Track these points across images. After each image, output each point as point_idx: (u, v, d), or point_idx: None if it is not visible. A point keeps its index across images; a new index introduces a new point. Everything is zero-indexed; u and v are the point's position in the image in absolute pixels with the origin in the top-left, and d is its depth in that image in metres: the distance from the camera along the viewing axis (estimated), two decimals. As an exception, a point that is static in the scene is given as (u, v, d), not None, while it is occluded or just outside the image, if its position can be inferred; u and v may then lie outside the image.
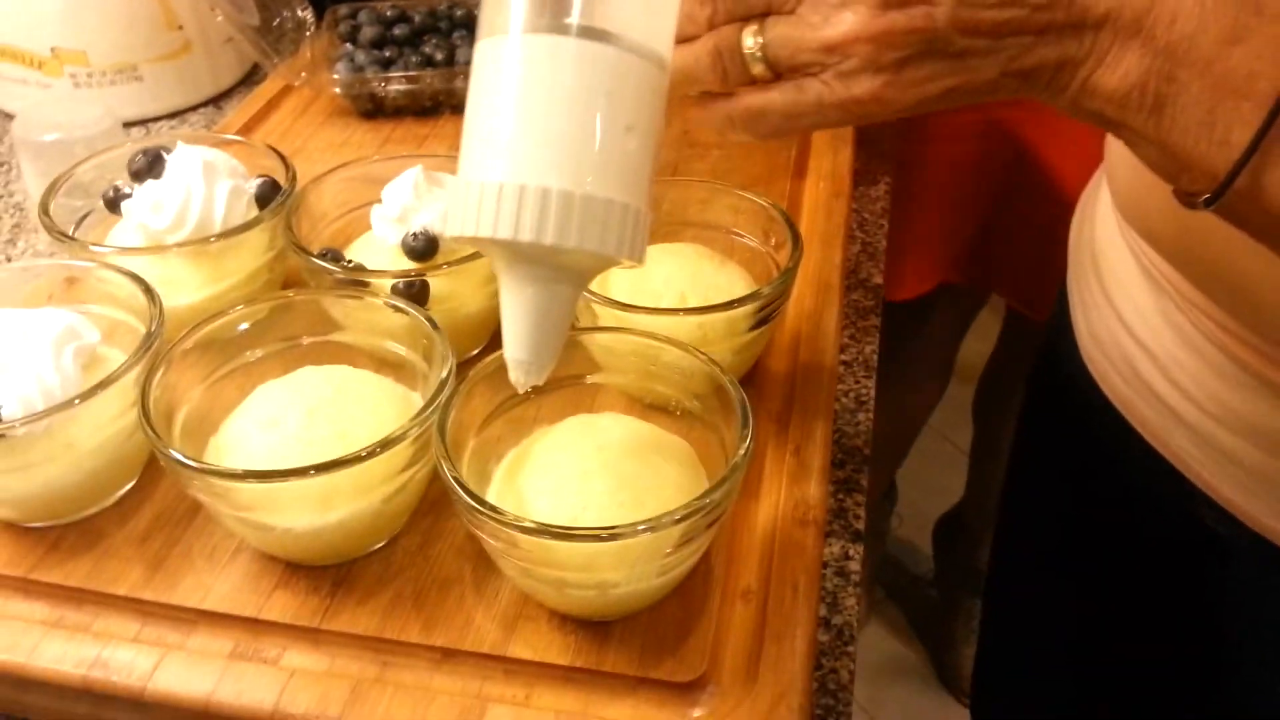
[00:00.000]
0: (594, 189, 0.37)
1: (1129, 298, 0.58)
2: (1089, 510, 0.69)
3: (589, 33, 0.37)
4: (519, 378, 0.42)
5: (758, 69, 0.39)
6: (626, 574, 0.45)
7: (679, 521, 0.43)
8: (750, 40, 0.38)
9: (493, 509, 0.43)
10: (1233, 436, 0.52)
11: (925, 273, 1.15)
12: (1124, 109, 0.36)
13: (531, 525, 0.43)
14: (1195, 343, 0.53)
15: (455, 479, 0.44)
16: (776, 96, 0.39)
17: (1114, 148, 0.59)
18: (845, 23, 0.36)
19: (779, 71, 0.38)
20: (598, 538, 0.42)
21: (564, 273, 0.40)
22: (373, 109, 0.85)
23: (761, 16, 0.38)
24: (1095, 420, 0.63)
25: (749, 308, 0.55)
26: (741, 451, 0.45)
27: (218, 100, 0.96)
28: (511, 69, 0.38)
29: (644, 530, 0.42)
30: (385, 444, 0.45)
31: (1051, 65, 0.36)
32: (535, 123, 0.37)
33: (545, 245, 0.37)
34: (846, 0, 0.36)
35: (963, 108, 0.46)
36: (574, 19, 0.37)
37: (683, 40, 0.40)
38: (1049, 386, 0.75)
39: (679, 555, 0.45)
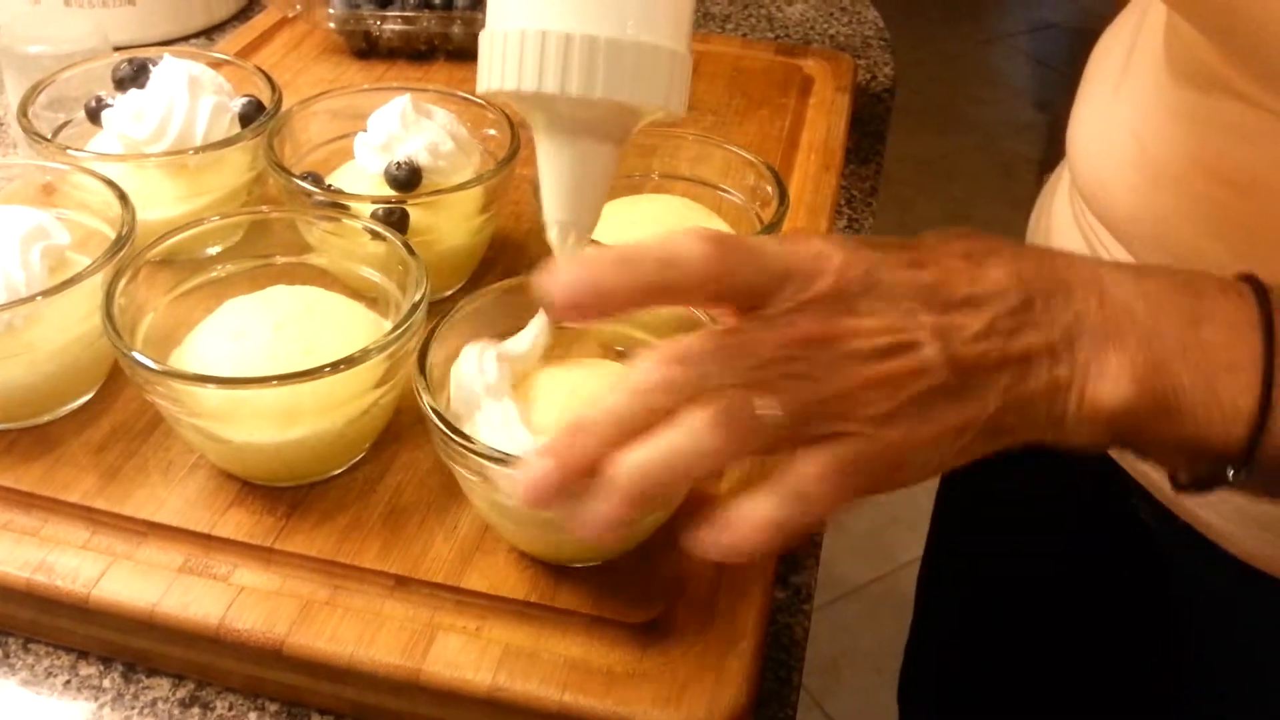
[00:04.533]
0: (624, 34, 0.35)
1: None
2: (1023, 504, 0.69)
3: None
4: (558, 239, 0.40)
5: (777, 429, 0.34)
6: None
7: None
8: (760, 401, 0.34)
9: (466, 438, 0.42)
10: None
11: None
12: (1133, 417, 0.36)
13: (505, 457, 0.42)
14: None
15: (433, 409, 0.43)
16: (812, 461, 0.34)
17: (1077, 132, 0.59)
18: (848, 377, 0.34)
19: (800, 432, 0.34)
20: None
21: (601, 126, 0.38)
22: (366, 49, 0.83)
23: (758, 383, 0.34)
24: None
25: (730, 259, 0.54)
26: None
27: (210, 32, 0.94)
28: None
29: None
30: (351, 360, 0.44)
31: (1044, 391, 0.36)
32: None
33: (571, 97, 0.36)
34: (841, 354, 0.34)
35: None
36: None
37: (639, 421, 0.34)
38: None
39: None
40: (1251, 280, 0.37)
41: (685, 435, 0.34)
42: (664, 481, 0.34)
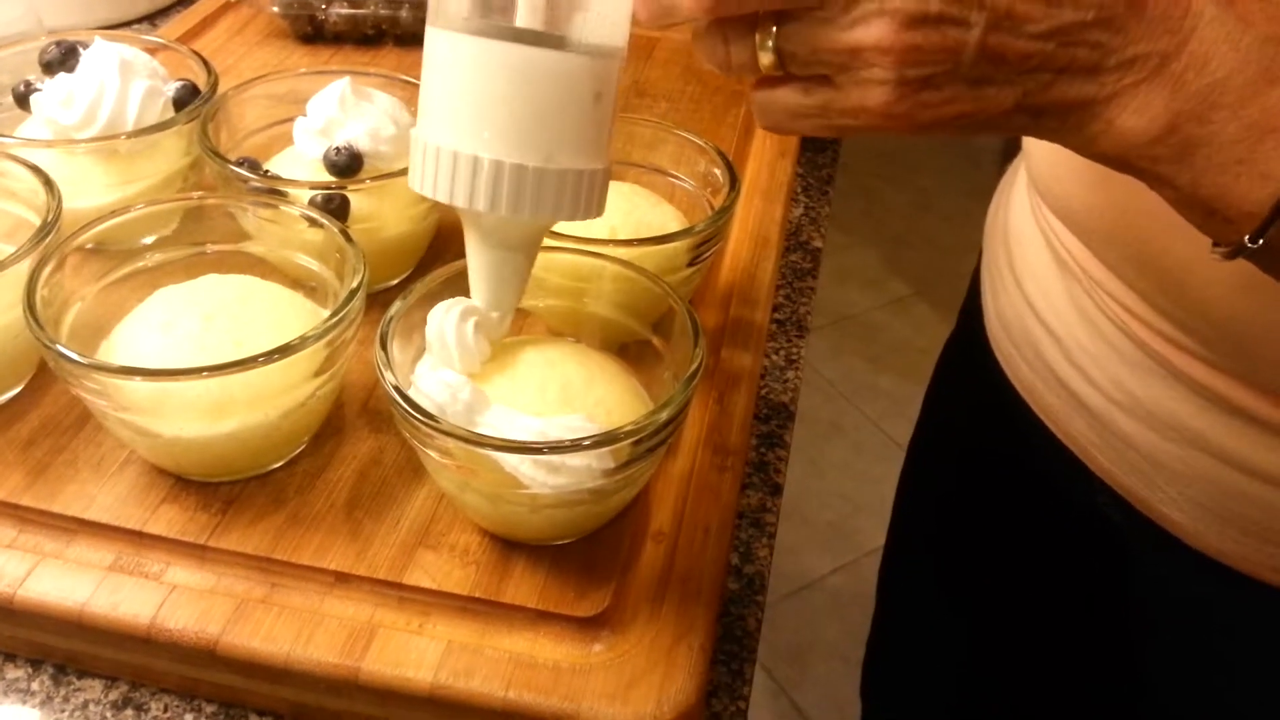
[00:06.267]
0: (549, 162, 0.39)
1: (1038, 283, 0.58)
2: (986, 497, 0.69)
3: (549, 40, 0.38)
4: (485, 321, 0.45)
5: (766, 60, 0.36)
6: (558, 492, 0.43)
7: (626, 438, 0.42)
8: (764, 34, 0.36)
9: (430, 416, 0.42)
10: (1131, 421, 0.52)
11: None
12: (1150, 152, 0.35)
13: (477, 438, 0.42)
14: (1100, 327, 0.53)
15: (395, 387, 0.43)
16: (784, 94, 0.36)
17: None
18: (874, 29, 0.33)
19: (788, 69, 0.36)
20: (539, 451, 0.41)
21: (521, 235, 0.43)
22: (312, 33, 0.82)
23: (775, 15, 0.35)
24: (998, 406, 0.63)
25: (681, 244, 0.53)
26: (694, 365, 0.45)
27: (153, 17, 0.92)
28: (473, 65, 0.38)
29: (589, 446, 0.41)
30: (284, 350, 0.43)
31: (1069, 104, 0.35)
32: (498, 106, 0.38)
33: (501, 216, 0.39)
34: (876, 7, 0.33)
35: None
36: (538, 27, 0.38)
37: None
38: (955, 372, 0.75)
39: (617, 480, 0.44)
40: None
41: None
42: None
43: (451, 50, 0.39)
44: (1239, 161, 0.34)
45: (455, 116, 0.39)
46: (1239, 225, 0.35)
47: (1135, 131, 0.34)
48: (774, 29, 0.35)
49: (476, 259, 0.44)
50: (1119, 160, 0.36)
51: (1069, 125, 0.35)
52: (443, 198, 0.40)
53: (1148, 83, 0.34)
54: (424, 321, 0.47)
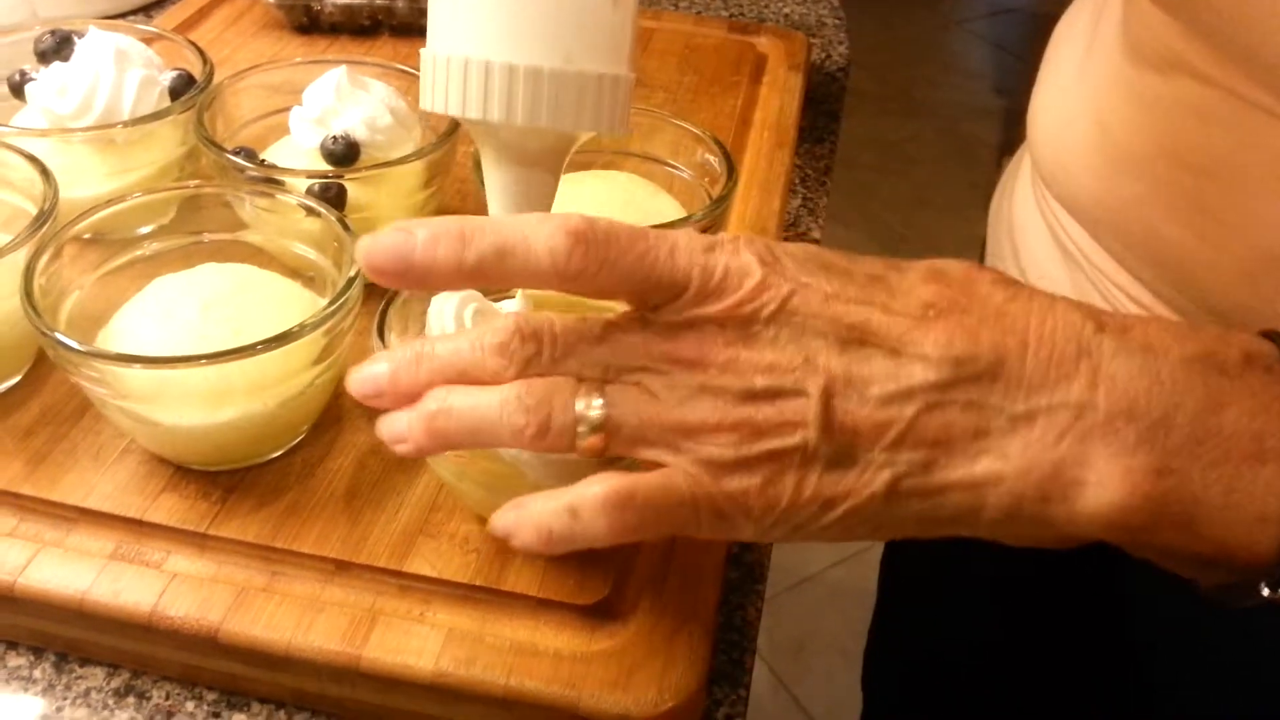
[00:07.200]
0: (567, 65, 0.36)
1: (1043, 274, 0.58)
2: None
3: None
4: None
5: (589, 440, 0.33)
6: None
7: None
8: (584, 403, 0.33)
9: None
10: None
11: None
12: (1127, 526, 0.31)
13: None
14: None
15: None
16: (653, 480, 0.33)
17: (1038, 116, 0.58)
18: (700, 410, 0.32)
19: (613, 448, 0.33)
20: None
21: (542, 149, 0.39)
22: (307, 24, 0.81)
23: (598, 379, 0.33)
24: None
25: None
26: None
27: (148, 8, 0.92)
28: None
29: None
30: (282, 338, 0.43)
31: (965, 484, 0.31)
32: (508, 4, 0.35)
33: (515, 126, 0.36)
34: (704, 385, 0.31)
35: None
36: None
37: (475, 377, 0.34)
38: None
39: (615, 469, 0.43)
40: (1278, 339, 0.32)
41: (494, 405, 0.33)
42: (459, 439, 0.34)
43: None
44: (1221, 509, 0.30)
45: (462, 22, 0.36)
46: (1261, 571, 0.31)
47: (1098, 504, 0.30)
48: (600, 400, 0.33)
49: (494, 178, 0.40)
50: (1097, 538, 0.32)
51: (987, 514, 0.31)
52: (454, 111, 0.37)
53: (1086, 441, 0.30)
54: (421, 311, 0.47)
